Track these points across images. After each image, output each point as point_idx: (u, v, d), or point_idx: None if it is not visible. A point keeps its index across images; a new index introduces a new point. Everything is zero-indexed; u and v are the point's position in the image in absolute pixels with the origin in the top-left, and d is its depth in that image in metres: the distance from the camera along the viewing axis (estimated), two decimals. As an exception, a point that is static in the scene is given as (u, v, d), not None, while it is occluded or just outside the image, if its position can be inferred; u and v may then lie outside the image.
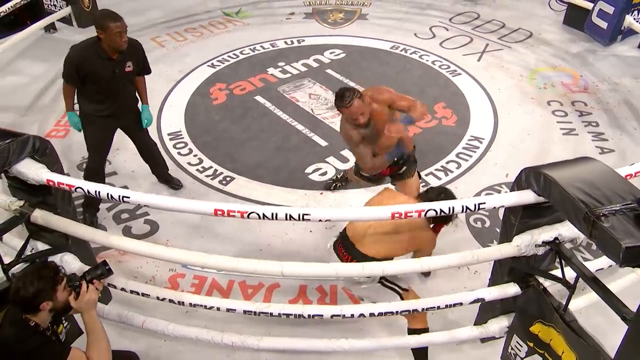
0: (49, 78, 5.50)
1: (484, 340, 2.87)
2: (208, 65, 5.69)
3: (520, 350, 2.60)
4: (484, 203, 2.12)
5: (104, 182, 3.81)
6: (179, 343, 3.00)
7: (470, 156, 4.38)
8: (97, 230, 2.55)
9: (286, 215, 2.07)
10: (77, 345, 2.32)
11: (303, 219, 2.08)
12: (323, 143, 4.59)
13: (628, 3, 5.23)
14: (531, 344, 2.53)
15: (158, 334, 2.97)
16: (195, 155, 4.47)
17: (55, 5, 6.10)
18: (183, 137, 4.68)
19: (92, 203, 3.78)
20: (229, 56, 5.86)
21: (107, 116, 3.54)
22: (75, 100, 3.57)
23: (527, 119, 4.80)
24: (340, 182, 4.09)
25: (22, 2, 5.46)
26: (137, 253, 2.46)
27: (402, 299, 2.61)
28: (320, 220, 2.09)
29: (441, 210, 2.10)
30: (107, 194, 2.16)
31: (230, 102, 5.14)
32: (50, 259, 2.58)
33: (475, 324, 2.78)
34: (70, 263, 2.57)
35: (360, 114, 2.98)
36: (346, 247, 2.58)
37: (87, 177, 3.68)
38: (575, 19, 6.09)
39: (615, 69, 5.48)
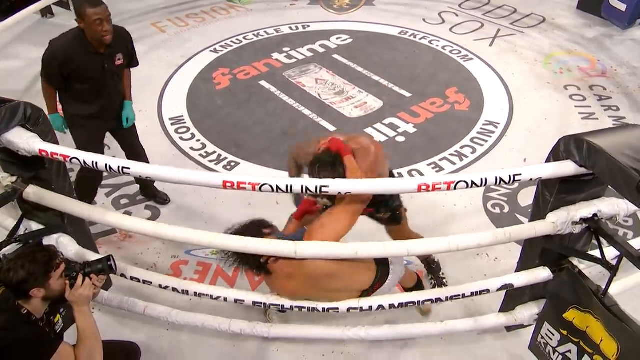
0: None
1: (510, 328, 2.68)
2: (210, 51, 5.51)
3: (551, 339, 2.41)
4: (520, 174, 1.93)
5: (95, 192, 3.47)
6: (182, 332, 2.81)
7: (486, 141, 4.20)
8: (94, 207, 2.35)
9: (302, 187, 1.88)
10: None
11: (321, 191, 1.89)
12: (331, 128, 4.40)
13: (647, -16, 5.05)
14: (565, 332, 2.34)
15: (160, 323, 2.81)
16: (198, 140, 4.28)
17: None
18: (185, 122, 4.49)
19: (86, 192, 3.34)
20: (232, 41, 5.67)
21: (96, 117, 3.10)
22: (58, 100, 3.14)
23: (544, 104, 4.62)
24: None
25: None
26: (137, 232, 2.28)
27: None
28: (339, 193, 1.90)
29: (473, 182, 1.91)
30: (106, 164, 1.97)
31: (234, 87, 4.95)
32: (46, 240, 2.39)
33: (500, 312, 2.59)
34: (66, 245, 2.37)
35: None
36: None
37: (78, 184, 3.26)
38: (590, 3, 5.93)
39: (633, 53, 5.29)
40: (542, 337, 2.47)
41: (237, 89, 4.92)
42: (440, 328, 2.42)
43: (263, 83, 4.98)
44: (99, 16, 2.75)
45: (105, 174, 3.44)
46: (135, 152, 3.46)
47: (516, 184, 3.77)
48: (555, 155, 2.03)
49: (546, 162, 2.07)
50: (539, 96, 4.72)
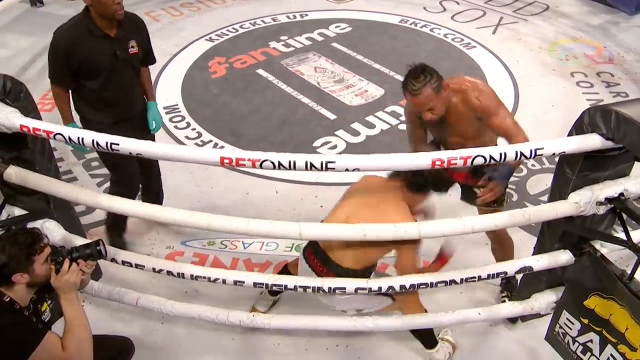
0: (34, 52, 5.14)
1: (524, 318, 2.53)
2: (206, 39, 5.34)
3: (571, 329, 2.26)
4: (542, 148, 1.78)
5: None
6: (177, 326, 2.66)
7: (492, 128, 4.05)
8: (82, 189, 2.19)
9: (306, 163, 1.73)
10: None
11: (327, 169, 1.73)
12: (331, 116, 4.25)
13: (654, -32, 4.93)
14: (585, 321, 2.19)
15: (154, 316, 2.65)
16: (193, 129, 4.12)
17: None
18: (180, 111, 4.33)
19: (117, 221, 2.96)
20: (228, 30, 5.51)
21: (119, 123, 2.59)
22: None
23: (550, 91, 4.48)
24: None
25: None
26: (128, 214, 2.12)
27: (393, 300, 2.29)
28: (347, 170, 1.75)
29: (491, 157, 1.76)
30: (93, 140, 1.81)
31: (231, 75, 4.79)
32: (30, 225, 2.23)
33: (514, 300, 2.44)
34: (52, 231, 2.21)
35: (427, 109, 2.17)
36: (316, 254, 2.16)
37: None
38: (595, -10, 5.80)
39: (640, 40, 5.17)
40: (561, 327, 2.32)
41: (234, 77, 4.76)
42: (452, 317, 2.26)
43: (260, 71, 4.83)
44: None
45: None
46: (155, 173, 3.07)
47: (525, 171, 3.64)
48: (578, 128, 1.89)
49: (568, 135, 1.92)
50: (545, 83, 4.58)
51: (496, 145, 2.38)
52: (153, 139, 2.82)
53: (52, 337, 1.80)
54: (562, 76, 4.67)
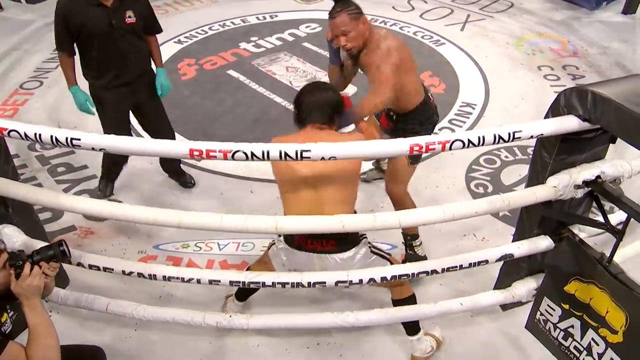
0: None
1: (506, 307, 2.48)
2: (174, 42, 5.20)
3: (552, 315, 2.21)
4: (520, 131, 1.73)
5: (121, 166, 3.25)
6: (151, 332, 2.52)
7: (464, 122, 4.03)
8: (42, 190, 2.04)
9: (280, 153, 1.63)
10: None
11: (302, 157, 1.64)
12: (305, 114, 4.15)
13: (613, -35, 5.01)
14: (566, 306, 2.15)
15: (127, 323, 2.51)
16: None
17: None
18: (151, 114, 4.18)
19: (111, 169, 3.21)
20: (196, 32, 5.38)
21: (115, 87, 2.83)
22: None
23: (520, 84, 4.49)
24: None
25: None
26: (92, 214, 1.98)
27: (391, 264, 2.20)
28: (322, 158, 1.66)
29: (469, 141, 1.70)
30: (51, 136, 1.68)
31: (201, 77, 4.67)
32: (-14, 232, 2.07)
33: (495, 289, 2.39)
34: (11, 236, 2.05)
35: (342, 33, 2.31)
36: (311, 234, 2.03)
37: (107, 167, 3.17)
38: (556, -12, 5.88)
39: (602, 34, 5.25)
40: (542, 314, 2.27)
41: (204, 78, 4.64)
42: (434, 309, 2.20)
43: (231, 72, 4.71)
44: None
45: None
46: (165, 131, 3.14)
47: (499, 162, 3.62)
48: (554, 111, 1.85)
49: (545, 118, 1.87)
50: (513, 77, 4.60)
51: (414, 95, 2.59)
52: (159, 103, 3.10)
53: (14, 347, 1.65)
54: (530, 70, 4.69)
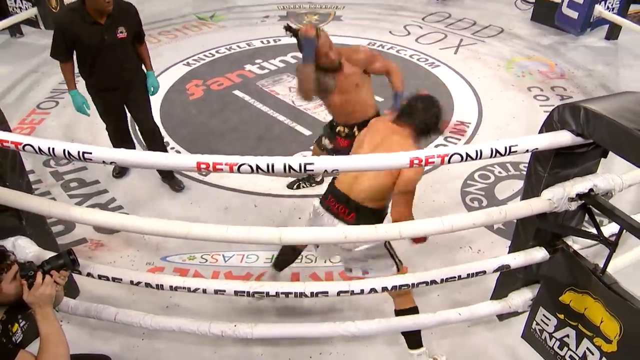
0: (13, 79, 4.93)
1: (502, 317, 2.43)
2: (183, 64, 5.21)
3: (548, 325, 2.16)
4: (516, 145, 1.70)
5: (132, 147, 3.39)
6: (158, 340, 2.46)
7: (459, 139, 4.02)
8: (54, 202, 2.01)
9: (285, 166, 1.61)
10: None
11: (305, 170, 1.62)
12: (307, 132, 4.15)
13: (597, -7, 5.04)
14: (561, 316, 2.10)
15: (135, 332, 2.46)
16: (172, 148, 3.95)
17: (20, 8, 5.52)
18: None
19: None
20: (204, 55, 5.39)
21: (109, 89, 3.08)
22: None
23: (511, 104, 4.49)
24: (304, 182, 3.54)
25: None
26: (102, 225, 1.95)
27: (398, 270, 2.17)
28: (325, 171, 1.63)
29: (467, 155, 1.68)
30: (64, 150, 1.65)
31: (208, 96, 4.66)
32: (1, 243, 2.03)
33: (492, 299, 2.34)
34: (24, 248, 2.02)
35: (329, 49, 2.63)
36: (339, 199, 2.12)
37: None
38: (543, 14, 5.92)
39: (587, 58, 5.27)
40: (537, 324, 2.22)
41: (211, 98, 4.63)
42: (433, 319, 2.14)
43: (237, 92, 4.71)
44: None
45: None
46: (151, 129, 3.37)
47: (492, 178, 3.59)
48: (548, 126, 1.82)
49: (539, 133, 1.85)
50: (505, 97, 4.60)
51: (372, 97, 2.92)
52: (147, 97, 3.28)
53: (26, 356, 1.60)
54: (520, 90, 4.70)
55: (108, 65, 2.96)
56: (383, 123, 2.28)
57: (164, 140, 3.57)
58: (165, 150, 3.58)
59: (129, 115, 3.38)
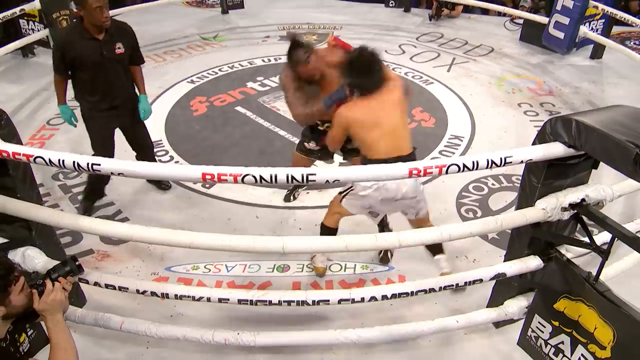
0: (25, 97, 4.93)
1: (498, 324, 2.40)
2: (187, 82, 5.23)
3: (542, 332, 2.14)
4: (510, 156, 1.70)
5: (106, 182, 3.37)
6: (162, 349, 2.41)
7: (453, 153, 4.02)
8: (63, 213, 1.99)
9: (287, 176, 1.60)
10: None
11: (307, 181, 1.61)
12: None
13: (582, 14, 5.09)
14: (556, 323, 2.07)
15: (140, 341, 2.41)
16: (176, 162, 3.94)
17: (33, 30, 5.55)
18: (164, 146, 4.16)
19: (95, 189, 3.34)
20: (207, 73, 5.41)
21: (105, 110, 3.02)
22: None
23: (502, 119, 4.51)
24: (295, 190, 3.53)
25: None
26: (112, 236, 1.93)
27: None
28: (327, 181, 1.62)
29: (464, 166, 1.67)
30: (74, 162, 1.64)
31: (211, 112, 4.67)
32: (11, 253, 2.01)
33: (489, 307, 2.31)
34: (33, 258, 1.99)
35: (316, 71, 2.62)
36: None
37: (90, 177, 3.30)
38: (530, 35, 5.99)
39: (573, 76, 5.31)
40: (533, 331, 2.19)
41: (214, 114, 4.64)
42: (432, 326, 2.12)
43: (239, 108, 4.72)
44: (99, 3, 2.72)
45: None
46: (147, 147, 3.38)
47: (486, 190, 3.59)
48: (541, 138, 1.82)
49: (532, 145, 1.85)
50: (496, 113, 4.61)
51: None
52: (142, 124, 3.27)
53: None
54: (510, 106, 4.72)
55: (107, 81, 2.94)
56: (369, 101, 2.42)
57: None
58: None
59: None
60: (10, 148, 1.70)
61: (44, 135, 4.32)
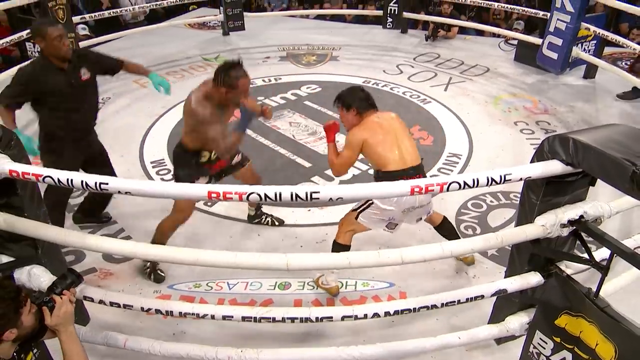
0: (29, 118, 4.93)
1: (500, 341, 2.39)
2: (190, 101, 5.27)
3: (544, 348, 2.13)
4: (510, 174, 1.72)
5: (105, 205, 3.41)
6: (166, 367, 2.40)
7: (452, 170, 4.05)
8: (70, 231, 2.00)
9: (292, 194, 1.61)
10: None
11: (311, 199, 1.62)
12: (307, 164, 4.18)
13: (574, 36, 5.18)
14: (558, 339, 2.07)
15: (143, 358, 2.39)
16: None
17: (38, 52, 5.60)
18: (166, 164, 4.18)
19: (95, 207, 3.38)
20: (210, 93, 5.46)
21: (74, 141, 2.90)
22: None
23: (499, 137, 4.55)
24: (264, 216, 3.46)
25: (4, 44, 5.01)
26: (118, 253, 1.93)
27: None
28: (330, 199, 1.64)
29: (465, 183, 1.69)
30: (82, 181, 1.65)
31: (213, 131, 4.70)
32: (17, 272, 2.01)
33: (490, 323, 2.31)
34: (39, 276, 1.98)
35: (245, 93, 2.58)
36: (413, 172, 2.49)
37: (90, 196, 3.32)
38: (525, 55, 6.07)
39: (567, 95, 5.38)
40: (534, 347, 2.19)
41: (216, 133, 4.67)
42: (434, 342, 2.11)
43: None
44: (58, 32, 2.69)
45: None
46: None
47: (485, 207, 3.60)
48: (539, 156, 1.85)
49: (530, 163, 1.87)
50: (493, 131, 4.66)
51: None
52: (106, 156, 3.23)
53: None
54: (507, 125, 4.77)
55: (77, 110, 2.85)
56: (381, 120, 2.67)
57: None
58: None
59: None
60: (19, 168, 1.72)
61: (48, 154, 4.33)
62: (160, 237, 2.82)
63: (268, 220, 3.46)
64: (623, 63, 6.09)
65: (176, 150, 2.85)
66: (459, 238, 2.88)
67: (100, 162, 3.17)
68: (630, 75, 5.02)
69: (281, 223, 3.44)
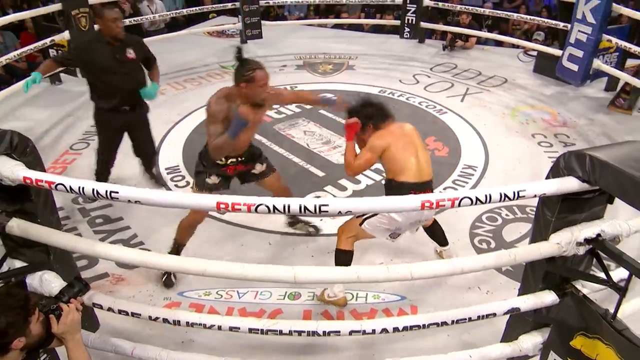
0: (51, 122, 5.07)
1: (513, 361, 2.32)
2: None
3: (559, 370, 2.07)
4: (524, 190, 1.67)
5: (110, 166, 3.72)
6: (173, 376, 2.39)
7: (467, 182, 3.99)
8: (81, 238, 2.01)
9: (300, 207, 1.59)
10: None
11: (320, 212, 1.60)
12: (320, 173, 4.16)
13: (595, 47, 5.09)
14: (573, 361, 2.01)
15: (150, 366, 2.39)
16: (192, 187, 3.97)
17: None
18: (181, 171, 4.22)
19: (103, 170, 3.73)
20: (226, 101, 5.50)
21: (117, 110, 3.37)
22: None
23: (516, 149, 4.47)
24: (300, 223, 3.44)
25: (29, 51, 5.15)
26: (127, 262, 1.93)
27: None
28: (339, 213, 1.62)
29: (477, 199, 1.65)
30: (93, 189, 1.67)
31: (228, 139, 4.72)
32: (29, 277, 2.03)
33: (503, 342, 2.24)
34: (50, 282, 2.01)
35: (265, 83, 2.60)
36: (418, 188, 2.48)
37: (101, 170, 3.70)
38: (544, 66, 5.99)
39: (588, 108, 5.27)
40: (549, 368, 2.12)
41: (231, 141, 4.69)
42: (444, 361, 2.06)
43: (255, 135, 4.77)
44: (115, 15, 3.19)
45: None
46: (151, 151, 3.79)
47: (500, 220, 3.53)
48: (555, 172, 1.80)
49: (546, 179, 1.82)
50: (510, 143, 4.59)
51: None
52: (148, 131, 3.68)
53: None
54: (524, 137, 4.69)
55: (119, 83, 3.27)
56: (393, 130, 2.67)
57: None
58: (153, 174, 3.90)
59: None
60: (33, 175, 1.74)
61: (67, 160, 4.41)
62: (180, 235, 2.95)
63: (306, 228, 3.43)
64: (646, 75, 5.95)
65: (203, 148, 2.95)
66: (446, 240, 3.06)
67: (138, 138, 3.63)
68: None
69: (317, 231, 3.43)
